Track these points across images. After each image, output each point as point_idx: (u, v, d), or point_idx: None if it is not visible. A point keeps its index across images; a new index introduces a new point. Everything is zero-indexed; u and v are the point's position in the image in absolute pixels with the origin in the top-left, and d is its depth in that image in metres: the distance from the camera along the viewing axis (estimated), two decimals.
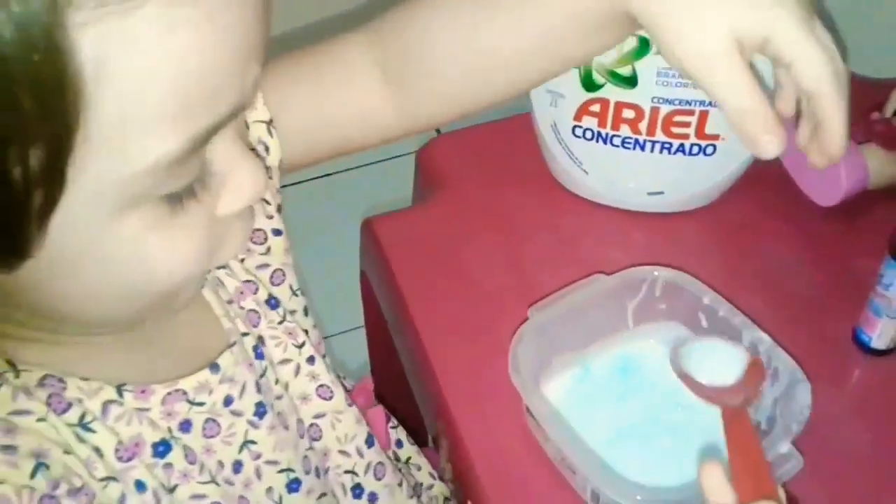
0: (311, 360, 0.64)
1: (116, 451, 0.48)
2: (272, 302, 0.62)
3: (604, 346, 0.70)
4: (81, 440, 0.46)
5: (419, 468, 0.81)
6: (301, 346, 0.63)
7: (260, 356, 0.59)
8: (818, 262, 0.80)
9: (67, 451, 0.45)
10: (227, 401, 0.55)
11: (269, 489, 0.58)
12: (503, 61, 0.56)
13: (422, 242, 0.85)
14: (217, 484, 0.53)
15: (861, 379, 0.72)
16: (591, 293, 0.68)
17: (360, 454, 0.68)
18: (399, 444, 0.80)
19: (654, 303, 0.71)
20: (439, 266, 0.81)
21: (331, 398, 0.65)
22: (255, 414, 0.57)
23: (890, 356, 0.72)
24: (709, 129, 0.77)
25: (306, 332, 0.64)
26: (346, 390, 0.69)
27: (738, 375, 0.58)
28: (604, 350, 0.70)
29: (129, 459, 0.49)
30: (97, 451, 0.47)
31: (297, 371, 0.63)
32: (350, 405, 0.67)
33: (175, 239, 0.41)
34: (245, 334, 0.59)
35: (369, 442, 0.69)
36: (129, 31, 0.32)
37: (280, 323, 0.62)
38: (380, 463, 0.70)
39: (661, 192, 0.82)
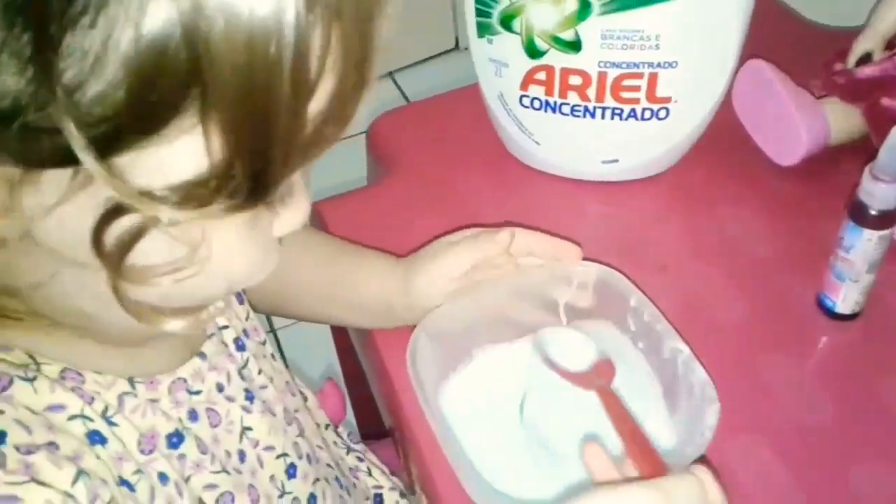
0: (273, 356, 0.64)
1: (139, 443, 0.47)
2: (240, 297, 0.62)
3: (526, 340, 0.65)
4: (112, 435, 0.46)
5: (371, 467, 0.80)
6: (263, 343, 0.63)
7: (241, 347, 0.59)
8: (779, 225, 0.77)
9: (99, 456, 0.44)
10: (219, 387, 0.55)
11: (272, 477, 0.58)
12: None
13: (372, 224, 0.81)
14: (228, 473, 0.53)
15: (826, 345, 0.69)
16: (514, 284, 0.64)
17: (328, 447, 0.69)
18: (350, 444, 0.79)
19: (585, 300, 0.66)
20: (391, 248, 0.78)
21: (295, 395, 0.66)
22: (247, 399, 0.57)
23: (854, 321, 0.69)
24: (660, 92, 0.73)
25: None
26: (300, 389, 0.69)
27: (591, 362, 0.59)
28: (526, 344, 0.65)
29: (150, 452, 0.48)
30: (124, 444, 0.46)
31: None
32: (306, 399, 0.68)
33: (250, 246, 0.41)
34: (224, 327, 0.58)
35: (325, 441, 0.69)
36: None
37: (247, 319, 0.62)
38: (338, 461, 0.70)
39: (616, 160, 0.79)
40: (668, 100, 0.74)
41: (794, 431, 0.63)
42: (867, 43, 0.79)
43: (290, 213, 0.43)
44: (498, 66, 0.77)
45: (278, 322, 1.70)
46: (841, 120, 0.78)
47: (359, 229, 0.80)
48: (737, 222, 0.78)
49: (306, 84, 0.34)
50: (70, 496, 0.39)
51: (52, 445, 0.41)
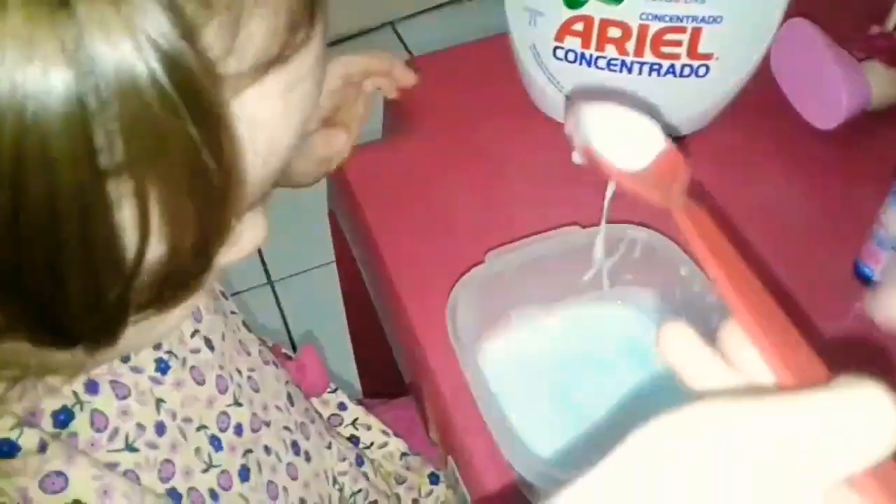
0: (224, 314, 0.60)
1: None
2: None
3: (568, 304, 0.63)
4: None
5: (368, 428, 0.77)
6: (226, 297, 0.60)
7: None
8: (817, 190, 0.75)
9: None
10: (125, 358, 0.50)
11: (198, 449, 0.54)
12: None
13: (391, 178, 0.79)
14: (134, 449, 0.49)
15: (862, 313, 0.68)
16: (560, 246, 0.62)
17: (288, 411, 0.65)
18: (342, 406, 0.76)
19: (629, 266, 0.64)
20: (410, 203, 0.76)
21: (249, 354, 0.62)
22: (157, 370, 0.52)
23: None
24: (702, 48, 0.71)
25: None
26: (267, 347, 0.65)
27: (654, 153, 0.40)
28: (566, 309, 0.63)
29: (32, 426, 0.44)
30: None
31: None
32: (266, 363, 0.64)
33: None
34: None
35: (290, 400, 0.65)
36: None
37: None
38: (303, 423, 0.66)
39: (651, 118, 0.76)
40: (709, 56, 0.71)
41: None
42: None
43: (238, 245, 0.38)
44: (533, 14, 0.73)
45: (276, 273, 1.68)
46: (882, 84, 0.76)
47: (378, 183, 0.78)
48: (772, 186, 0.76)
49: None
50: None
51: None
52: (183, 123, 0.26)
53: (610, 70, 0.73)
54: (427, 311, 0.66)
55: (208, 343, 0.57)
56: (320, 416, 0.73)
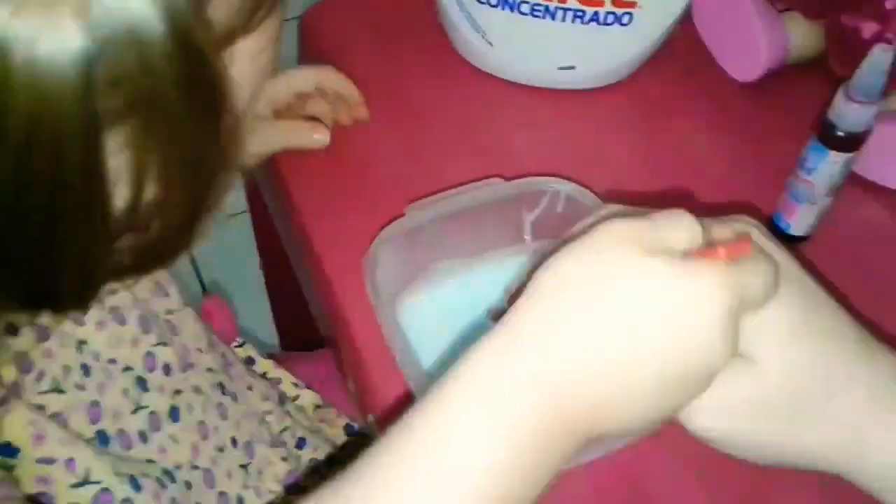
0: None
1: None
2: None
3: (490, 258, 0.62)
4: None
5: (279, 381, 0.75)
6: None
7: None
8: (735, 142, 0.75)
9: None
10: None
11: (125, 390, 0.54)
12: None
13: None
14: (61, 392, 0.48)
15: None
16: (482, 198, 0.60)
17: (210, 353, 0.64)
18: (250, 361, 0.74)
19: (552, 218, 0.63)
20: (327, 153, 0.73)
21: (167, 296, 0.61)
22: None
23: (804, 243, 0.68)
24: None
25: None
26: (181, 286, 0.63)
27: None
28: (488, 262, 0.62)
29: None
30: None
31: None
32: (187, 304, 0.63)
33: None
34: None
35: (211, 343, 0.65)
36: None
37: None
38: (225, 365, 0.66)
39: (573, 67, 0.75)
40: (632, 5, 0.70)
41: None
42: None
43: None
44: None
45: None
46: (801, 35, 0.76)
47: None
48: (692, 137, 0.76)
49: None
50: None
51: None
52: (180, 73, 0.28)
53: (533, 16, 0.71)
54: (345, 265, 0.64)
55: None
56: (237, 358, 0.71)
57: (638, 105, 0.77)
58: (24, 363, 0.46)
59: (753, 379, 0.37)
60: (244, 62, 0.34)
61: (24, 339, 0.47)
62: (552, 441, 0.34)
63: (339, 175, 0.71)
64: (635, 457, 0.55)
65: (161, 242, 0.33)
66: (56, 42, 0.26)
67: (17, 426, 0.44)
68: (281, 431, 0.70)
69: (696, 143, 0.75)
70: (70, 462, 0.47)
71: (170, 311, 0.60)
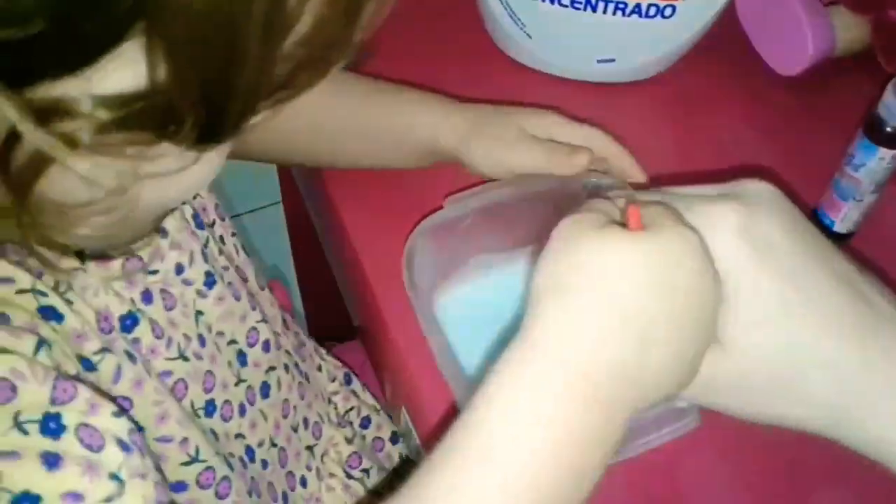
0: (221, 239, 0.59)
1: (98, 322, 0.43)
2: None
3: (528, 252, 0.60)
4: (70, 311, 0.41)
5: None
6: (212, 224, 0.58)
7: (200, 225, 0.55)
8: (778, 137, 0.74)
9: (56, 331, 0.39)
10: (179, 269, 0.51)
11: (230, 363, 0.56)
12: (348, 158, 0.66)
13: None
14: (186, 359, 0.51)
15: None
16: (521, 191, 0.59)
17: (286, 335, 0.66)
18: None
19: None
20: None
21: (246, 280, 0.61)
22: (205, 283, 0.53)
23: (850, 240, 0.67)
24: None
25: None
26: (257, 268, 0.64)
27: None
28: (527, 256, 0.60)
29: (110, 332, 0.44)
30: (85, 321, 0.42)
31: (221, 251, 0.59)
32: (262, 288, 0.64)
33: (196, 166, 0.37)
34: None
35: (285, 324, 0.67)
36: None
37: (194, 197, 0.57)
38: (298, 346, 0.67)
39: (612, 60, 0.74)
40: None
41: None
42: None
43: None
44: None
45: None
46: (847, 29, 0.75)
47: None
48: (733, 132, 0.74)
49: (278, 22, 0.30)
50: (37, 363, 0.35)
51: (2, 317, 0.36)
52: None
53: (574, 7, 0.71)
54: (382, 258, 0.63)
55: (231, 260, 0.58)
56: (309, 339, 0.74)
57: (678, 99, 0.76)
58: (156, 329, 0.48)
59: (721, 360, 0.38)
60: None
61: (156, 307, 0.49)
62: (596, 434, 0.35)
63: (377, 173, 0.71)
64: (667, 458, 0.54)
65: (323, 47, 0.33)
66: None
67: (146, 406, 0.46)
68: (346, 412, 0.71)
69: (737, 138, 0.74)
70: (184, 442, 0.49)
71: (251, 294, 0.61)
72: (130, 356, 0.45)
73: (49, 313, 0.39)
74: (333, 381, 0.72)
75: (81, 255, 0.43)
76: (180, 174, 0.35)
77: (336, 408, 0.70)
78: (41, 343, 0.36)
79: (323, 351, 0.75)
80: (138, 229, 0.47)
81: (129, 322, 0.46)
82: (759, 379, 0.38)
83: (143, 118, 0.31)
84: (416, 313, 0.53)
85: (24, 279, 0.38)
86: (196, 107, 0.31)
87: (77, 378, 0.37)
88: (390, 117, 0.63)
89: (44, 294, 0.39)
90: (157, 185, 0.36)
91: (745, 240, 0.38)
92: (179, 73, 0.29)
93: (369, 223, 0.67)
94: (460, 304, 0.58)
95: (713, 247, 0.38)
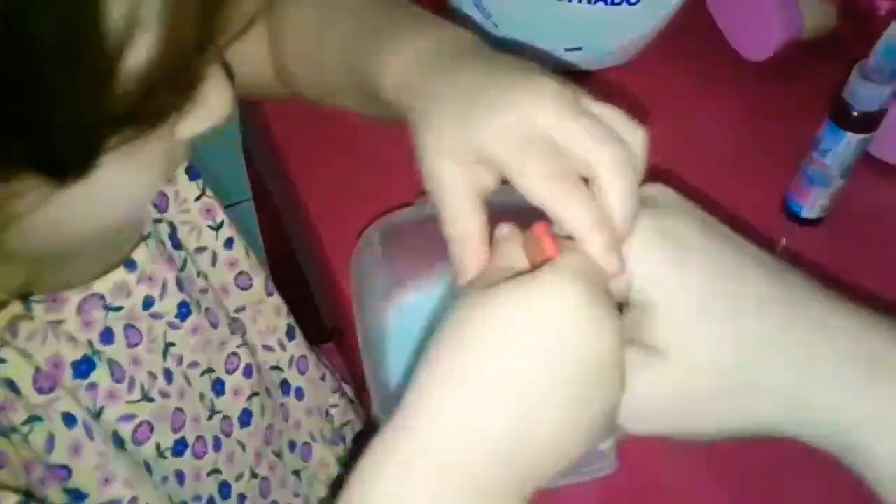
0: (229, 243, 0.57)
1: (35, 381, 0.41)
2: (193, 172, 0.54)
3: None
4: None
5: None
6: (219, 226, 0.56)
7: (176, 245, 0.52)
8: (746, 123, 0.74)
9: None
10: (147, 303, 0.48)
11: (202, 396, 0.53)
12: (333, 92, 0.53)
13: (314, 114, 0.74)
14: (150, 400, 0.48)
15: (789, 249, 0.67)
16: (496, 200, 0.57)
17: (283, 347, 0.63)
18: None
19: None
20: (329, 137, 0.71)
21: (250, 287, 0.59)
22: (177, 316, 0.51)
23: (818, 225, 0.67)
24: None
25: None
26: (266, 274, 0.62)
27: None
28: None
29: (51, 390, 0.42)
30: (11, 386, 0.40)
31: (214, 260, 0.56)
32: (270, 294, 0.61)
33: (134, 174, 0.35)
34: (158, 221, 0.51)
35: (290, 334, 0.63)
36: None
37: (197, 199, 0.54)
38: (302, 356, 0.64)
39: (579, 48, 0.73)
40: None
41: None
42: None
43: (205, 108, 0.35)
44: None
45: None
46: (814, 14, 0.75)
47: (299, 118, 0.73)
48: (702, 118, 0.74)
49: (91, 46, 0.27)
50: None
51: None
52: None
53: None
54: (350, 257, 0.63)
55: (206, 279, 0.55)
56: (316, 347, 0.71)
57: (646, 86, 0.75)
58: (116, 371, 0.46)
59: (665, 371, 0.35)
60: None
61: (117, 347, 0.46)
62: None
63: (346, 164, 0.70)
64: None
65: (167, 80, 0.30)
66: None
67: (86, 471, 0.44)
68: (342, 425, 0.69)
69: (706, 124, 0.74)
70: (133, 501, 0.46)
71: (251, 302, 0.59)
72: (70, 419, 0.42)
73: None
74: (335, 392, 0.69)
75: (27, 298, 0.41)
76: (100, 196, 0.33)
77: (332, 422, 0.68)
78: None
79: (327, 360, 0.74)
80: (81, 263, 0.44)
81: (85, 367, 0.44)
82: (703, 381, 0.35)
83: None
84: (355, 319, 0.52)
85: None
86: (9, 143, 0.28)
87: None
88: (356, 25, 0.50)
89: None
90: (70, 214, 0.33)
91: (663, 242, 0.36)
92: None
93: (339, 224, 0.66)
94: (416, 310, 0.56)
95: (629, 255, 0.35)
